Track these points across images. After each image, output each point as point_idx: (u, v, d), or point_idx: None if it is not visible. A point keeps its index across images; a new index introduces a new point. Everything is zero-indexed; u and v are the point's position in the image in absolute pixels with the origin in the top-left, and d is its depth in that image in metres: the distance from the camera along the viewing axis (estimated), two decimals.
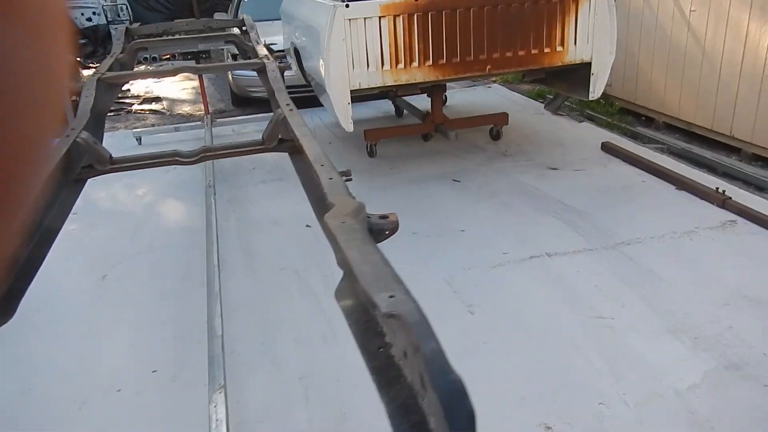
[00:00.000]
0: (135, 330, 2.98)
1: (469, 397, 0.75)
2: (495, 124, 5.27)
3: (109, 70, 3.79)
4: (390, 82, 4.09)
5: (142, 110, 7.74)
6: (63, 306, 3.21)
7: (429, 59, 4.08)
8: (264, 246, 3.72)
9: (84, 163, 2.57)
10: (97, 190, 4.69)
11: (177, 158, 2.70)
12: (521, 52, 4.22)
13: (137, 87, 8.50)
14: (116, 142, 6.15)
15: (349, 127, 4.09)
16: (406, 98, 5.77)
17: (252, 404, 2.41)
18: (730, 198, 3.76)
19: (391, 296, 0.88)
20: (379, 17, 3.90)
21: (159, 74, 4.55)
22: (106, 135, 6.63)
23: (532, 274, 3.23)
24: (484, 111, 5.82)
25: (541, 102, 6.38)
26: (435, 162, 4.93)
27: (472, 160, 4.91)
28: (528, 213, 3.92)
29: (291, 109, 2.63)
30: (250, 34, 4.39)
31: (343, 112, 4.02)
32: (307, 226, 3.89)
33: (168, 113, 7.61)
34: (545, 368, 2.52)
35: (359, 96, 4.46)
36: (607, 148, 4.86)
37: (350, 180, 2.06)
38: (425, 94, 5.09)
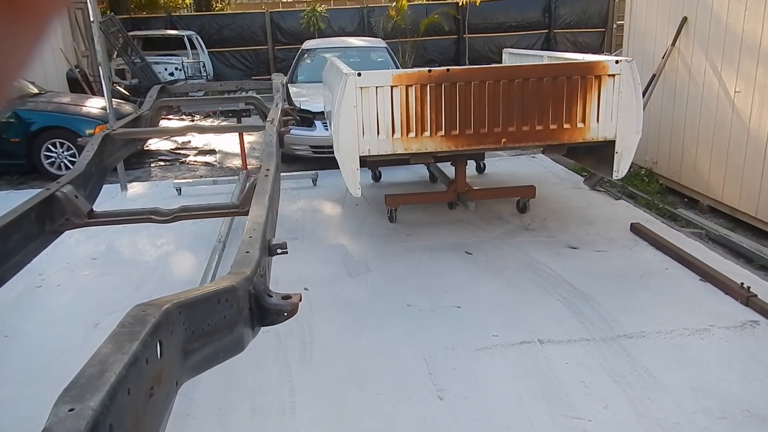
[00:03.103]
0: None
1: None
2: (522, 197, 5.12)
3: (133, 125, 3.98)
4: (400, 150, 4.07)
5: (195, 162, 8.07)
6: (51, 351, 3.28)
7: (441, 129, 4.04)
8: None
9: (62, 216, 2.66)
10: (120, 237, 4.87)
11: (153, 216, 2.76)
12: (539, 127, 4.11)
13: (197, 140, 8.91)
14: (159, 191, 6.44)
15: (357, 192, 4.08)
16: (441, 165, 5.74)
17: None
18: (756, 295, 3.44)
19: (71, 410, 0.80)
20: (392, 86, 3.92)
21: (166, 133, 4.73)
22: (151, 183, 6.97)
23: (517, 361, 3.03)
24: (518, 181, 5.69)
25: (583, 176, 6.18)
26: (453, 232, 4.82)
27: (491, 233, 4.76)
28: (531, 293, 3.73)
29: (266, 176, 2.64)
30: (275, 96, 4.52)
31: (351, 176, 4.02)
32: (305, 288, 3.86)
33: (218, 165, 7.89)
34: None
35: (391, 159, 4.45)
36: (636, 229, 4.61)
37: (285, 252, 1.99)
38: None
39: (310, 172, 6.52)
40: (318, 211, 5.59)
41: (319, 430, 2.60)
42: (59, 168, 7.37)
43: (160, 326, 1.18)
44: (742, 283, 3.54)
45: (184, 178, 7.06)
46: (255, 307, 1.63)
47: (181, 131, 4.01)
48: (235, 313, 1.50)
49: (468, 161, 5.05)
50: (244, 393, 2.86)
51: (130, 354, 1.01)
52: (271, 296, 1.69)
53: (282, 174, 6.65)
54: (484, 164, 6.45)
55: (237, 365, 3.09)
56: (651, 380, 2.84)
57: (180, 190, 6.21)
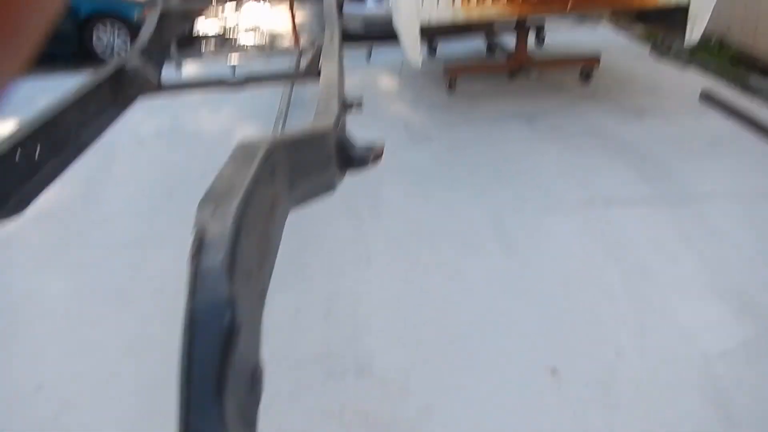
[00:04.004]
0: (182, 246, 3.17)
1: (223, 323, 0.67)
2: (585, 66, 4.94)
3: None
4: (461, 18, 3.92)
5: (245, 46, 7.99)
6: (132, 213, 3.47)
7: None
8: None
9: (134, 86, 2.71)
10: (182, 113, 4.96)
11: (222, 84, 2.80)
12: None
13: (244, 19, 8.76)
14: (213, 71, 6.44)
15: (417, 61, 4.00)
16: (502, 36, 5.55)
17: (277, 312, 2.52)
18: None
19: (214, 210, 0.85)
20: None
21: (221, 1, 4.64)
22: (205, 64, 6.97)
23: (584, 221, 3.07)
24: (580, 52, 5.47)
25: (649, 46, 5.88)
26: (514, 101, 4.73)
27: (554, 101, 4.66)
28: (597, 158, 3.69)
29: (331, 41, 2.61)
30: None
31: (411, 45, 3.93)
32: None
33: (267, 46, 7.80)
34: (569, 314, 2.42)
35: (448, 31, 4.33)
36: (705, 97, 4.43)
37: (360, 107, 2.01)
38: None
39: (363, 46, 6.39)
40: (375, 85, 5.53)
41: (392, 279, 2.73)
42: (110, 53, 7.42)
43: (271, 154, 1.24)
44: None
45: (234, 59, 7.03)
46: (341, 152, 1.68)
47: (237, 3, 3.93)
48: (327, 156, 1.55)
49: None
50: (322, 248, 3.00)
51: (252, 172, 1.07)
52: (354, 145, 1.74)
53: None
54: (544, 36, 6.19)
55: (314, 222, 3.23)
56: (721, 238, 2.85)
57: (234, 68, 6.20)
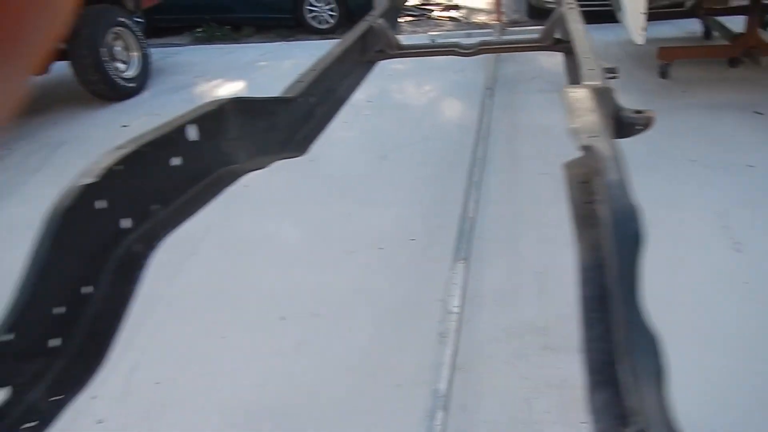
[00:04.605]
0: (402, 203, 3.37)
1: (640, 221, 0.79)
2: None
3: None
4: None
5: (441, 17, 8.12)
6: (349, 174, 3.74)
7: None
8: (529, 151, 3.80)
9: (376, 48, 2.90)
10: (389, 83, 5.20)
11: (456, 49, 2.90)
12: None
13: None
14: (415, 42, 6.66)
15: (640, 39, 3.83)
16: (718, 18, 5.11)
17: (487, 283, 2.61)
18: None
19: (592, 136, 0.95)
20: None
21: None
22: (406, 37, 7.21)
23: None
24: None
25: None
26: (737, 90, 4.36)
27: None
28: None
29: (571, 7, 2.59)
30: None
31: (635, 21, 3.77)
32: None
33: (464, 21, 7.87)
34: None
35: (660, 14, 4.11)
36: None
37: (615, 77, 2.02)
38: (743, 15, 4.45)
39: None
40: None
41: None
42: (320, 22, 7.92)
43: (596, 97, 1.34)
44: None
45: (432, 33, 7.19)
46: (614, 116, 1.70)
47: None
48: (610, 114, 1.58)
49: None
50: (529, 225, 3.03)
51: (597, 113, 1.18)
52: (624, 111, 1.74)
53: (534, 27, 6.46)
54: None
55: (519, 200, 3.27)
56: None
57: (434, 41, 6.35)
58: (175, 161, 1.02)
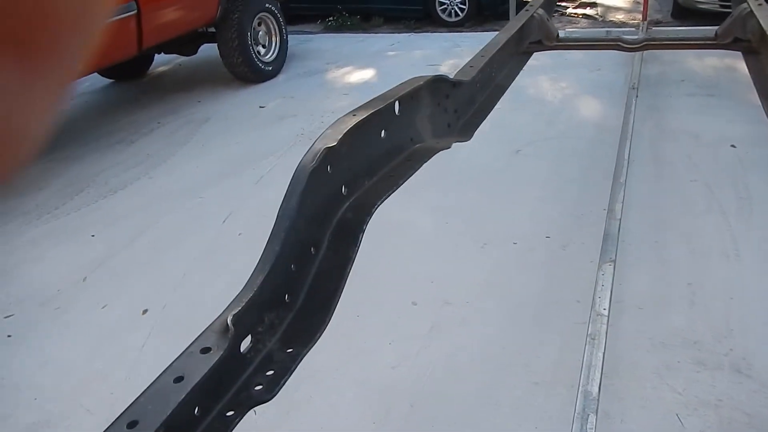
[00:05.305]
0: (537, 199, 3.28)
1: None
2: None
3: None
4: None
5: (575, 14, 7.85)
6: (482, 165, 3.69)
7: None
8: (677, 156, 3.59)
9: (534, 38, 2.84)
10: (527, 79, 5.08)
11: (619, 44, 2.77)
12: None
13: None
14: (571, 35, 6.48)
15: None
16: None
17: (634, 289, 2.49)
18: None
19: None
20: None
21: None
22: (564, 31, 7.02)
23: None
24: None
25: None
26: None
27: None
28: None
29: (760, 4, 2.39)
30: None
31: None
32: (732, 146, 3.59)
33: (600, 19, 7.56)
34: None
35: None
36: None
37: None
38: None
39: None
40: (732, 68, 5.01)
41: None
42: (449, 14, 7.89)
43: None
44: None
45: (567, 29, 6.95)
46: None
47: None
48: None
49: None
50: (679, 232, 2.86)
51: None
52: None
53: (681, 28, 6.08)
54: None
55: (667, 206, 3.09)
56: None
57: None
58: (384, 134, 1.04)
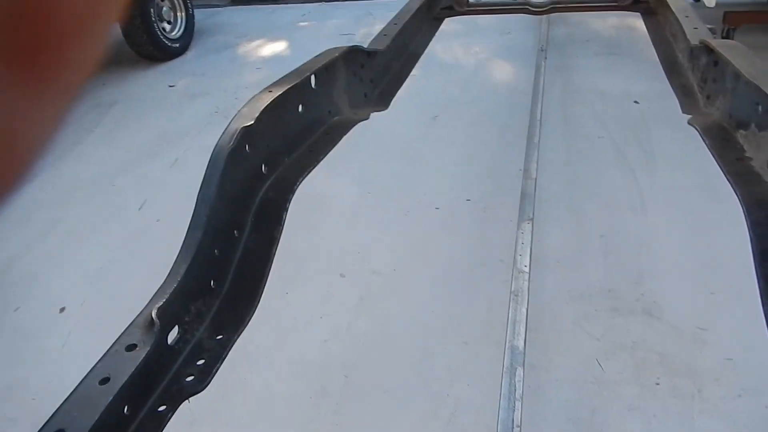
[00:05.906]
0: (455, 163, 3.34)
1: None
2: None
3: None
4: None
5: None
6: (400, 133, 3.72)
7: None
8: (586, 114, 3.74)
9: (445, 4, 2.86)
10: (434, 46, 5.11)
11: (527, 7, 2.84)
12: None
13: None
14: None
15: (710, 1, 3.70)
16: None
17: (552, 245, 2.60)
18: None
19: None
20: None
21: None
22: None
23: None
24: None
25: None
26: None
27: None
28: None
29: None
30: None
31: None
32: (635, 102, 3.77)
33: None
34: None
35: None
36: None
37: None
38: None
39: None
40: (632, 27, 5.24)
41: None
42: None
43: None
44: None
45: None
46: None
47: None
48: None
49: None
50: (591, 188, 3.00)
51: None
52: None
53: None
54: None
55: (578, 163, 3.23)
56: None
57: None
58: (301, 108, 1.02)
